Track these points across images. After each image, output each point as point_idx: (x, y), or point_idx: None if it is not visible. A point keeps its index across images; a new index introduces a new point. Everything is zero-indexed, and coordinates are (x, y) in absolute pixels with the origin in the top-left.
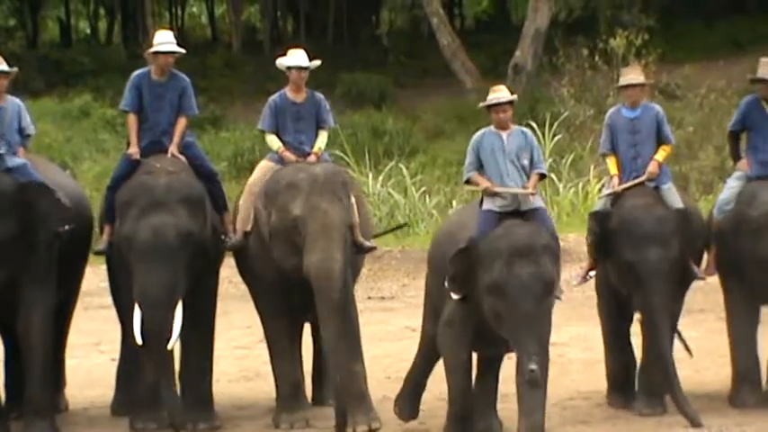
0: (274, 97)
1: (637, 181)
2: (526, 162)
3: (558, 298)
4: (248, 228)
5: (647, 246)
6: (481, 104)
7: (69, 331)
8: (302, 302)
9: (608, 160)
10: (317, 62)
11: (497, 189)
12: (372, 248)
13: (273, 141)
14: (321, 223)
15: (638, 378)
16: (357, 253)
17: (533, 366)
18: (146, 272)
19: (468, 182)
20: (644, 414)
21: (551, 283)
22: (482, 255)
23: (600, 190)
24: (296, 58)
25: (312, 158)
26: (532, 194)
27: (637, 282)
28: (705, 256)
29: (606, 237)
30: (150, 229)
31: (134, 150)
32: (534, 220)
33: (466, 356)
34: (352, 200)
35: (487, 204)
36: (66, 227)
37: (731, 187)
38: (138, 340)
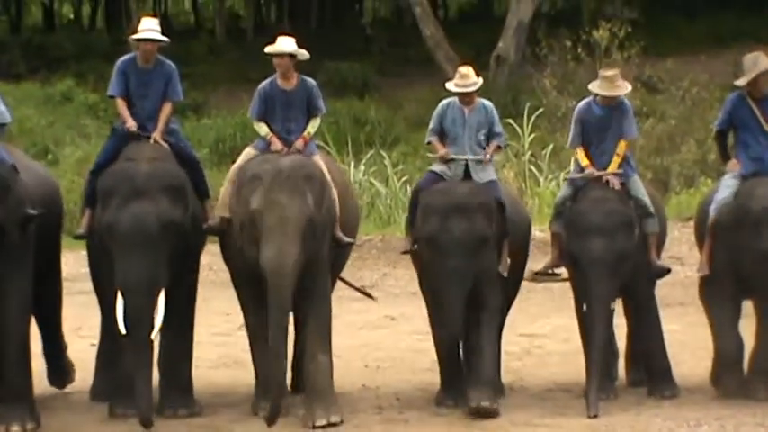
0: (264, 84)
1: (603, 173)
2: (482, 138)
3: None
4: (226, 214)
5: (590, 237)
6: (449, 87)
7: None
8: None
9: (578, 151)
10: (305, 53)
11: (452, 156)
12: (350, 243)
13: (261, 128)
14: (278, 217)
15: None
16: (335, 247)
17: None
18: (128, 260)
19: (429, 143)
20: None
21: (484, 239)
22: (422, 207)
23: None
24: (278, 44)
25: (299, 143)
26: (485, 161)
27: (581, 272)
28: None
29: (558, 228)
30: (132, 217)
31: (131, 123)
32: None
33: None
34: (332, 193)
35: (434, 167)
36: (35, 211)
37: (728, 186)
38: (122, 329)
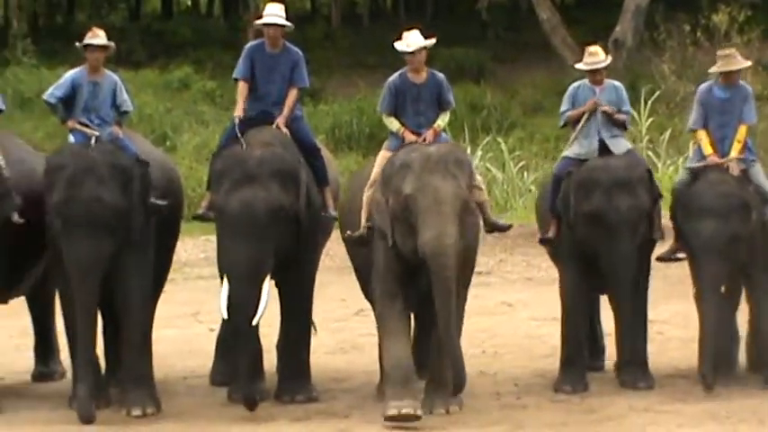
0: (394, 78)
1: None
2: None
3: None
4: (369, 222)
5: (702, 219)
6: (578, 66)
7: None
8: (417, 291)
9: (701, 136)
10: (432, 41)
11: (582, 123)
12: (508, 227)
13: (392, 122)
14: (432, 199)
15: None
16: (489, 232)
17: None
18: (234, 245)
19: (564, 125)
20: None
21: (647, 214)
22: (579, 183)
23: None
24: (407, 41)
25: (429, 134)
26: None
27: (692, 255)
28: None
29: (673, 209)
30: (240, 202)
31: (239, 112)
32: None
33: (581, 300)
34: (477, 178)
35: (568, 152)
36: (162, 202)
37: None
38: (224, 314)
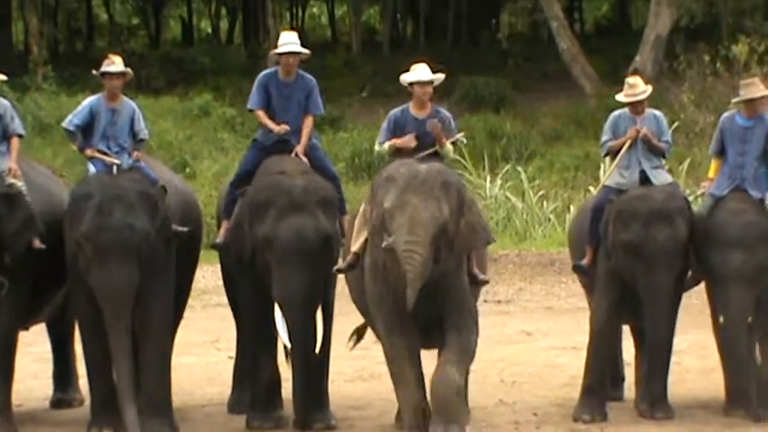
0: (396, 111)
1: None
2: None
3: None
4: (357, 248)
5: (728, 250)
6: (618, 98)
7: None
8: (421, 320)
9: (712, 162)
10: (441, 76)
11: (622, 153)
12: (485, 282)
13: (383, 147)
14: (408, 217)
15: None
16: (471, 284)
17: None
18: (288, 274)
19: (606, 154)
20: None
21: (683, 244)
22: (617, 213)
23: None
24: (418, 72)
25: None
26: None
27: (718, 285)
28: None
29: (695, 240)
30: (291, 230)
31: (280, 128)
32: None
33: (611, 329)
34: (474, 206)
35: (608, 181)
36: (183, 228)
37: None
38: (287, 342)
